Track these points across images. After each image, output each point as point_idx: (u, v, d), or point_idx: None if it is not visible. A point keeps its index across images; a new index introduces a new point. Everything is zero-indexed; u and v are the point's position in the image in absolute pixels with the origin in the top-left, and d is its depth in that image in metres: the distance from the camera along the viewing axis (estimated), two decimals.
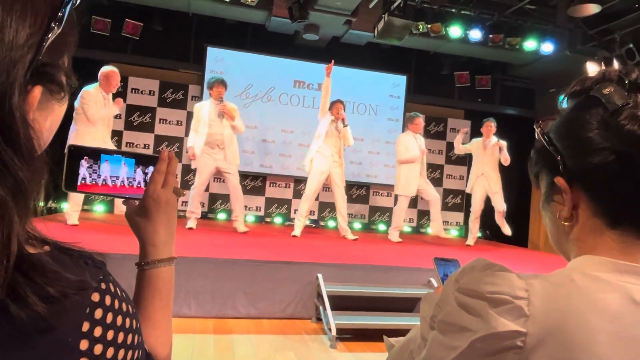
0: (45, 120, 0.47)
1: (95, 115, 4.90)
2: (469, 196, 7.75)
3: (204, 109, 5.49)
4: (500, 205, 6.34)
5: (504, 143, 6.26)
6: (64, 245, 0.47)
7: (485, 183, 6.37)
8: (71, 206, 5.12)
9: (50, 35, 0.43)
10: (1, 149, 0.39)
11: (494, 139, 6.29)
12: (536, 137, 0.66)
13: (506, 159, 6.21)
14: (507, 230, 6.40)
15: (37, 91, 0.43)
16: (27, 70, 0.41)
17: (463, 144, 6.64)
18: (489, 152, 6.31)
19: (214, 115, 5.46)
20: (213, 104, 5.49)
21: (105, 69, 5.13)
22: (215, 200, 7.59)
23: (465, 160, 8.36)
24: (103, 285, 0.47)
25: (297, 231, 5.86)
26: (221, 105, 5.46)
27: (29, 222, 0.43)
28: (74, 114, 4.92)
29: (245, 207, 7.67)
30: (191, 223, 5.53)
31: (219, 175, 5.90)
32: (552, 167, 0.63)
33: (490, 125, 6.34)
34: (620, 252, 0.57)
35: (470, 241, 6.59)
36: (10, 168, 0.39)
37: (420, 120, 6.38)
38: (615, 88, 0.59)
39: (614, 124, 0.57)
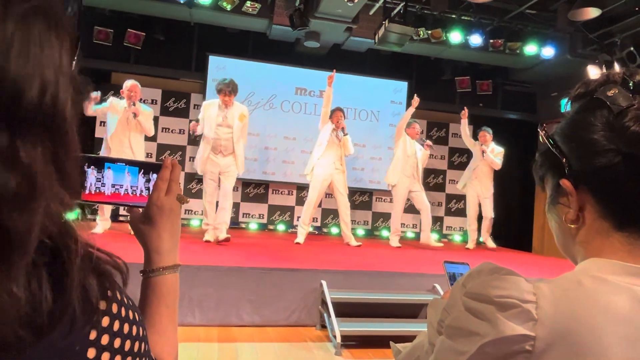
0: None
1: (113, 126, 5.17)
2: None
3: (212, 108, 5.26)
4: (488, 211, 6.54)
5: (500, 149, 6.48)
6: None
7: (478, 188, 6.57)
8: (100, 215, 5.35)
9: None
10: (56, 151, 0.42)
11: (490, 146, 6.49)
12: (540, 140, 0.66)
13: (492, 162, 6.41)
14: (490, 243, 6.62)
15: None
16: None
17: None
18: (486, 159, 6.50)
19: (221, 120, 5.22)
20: (220, 108, 5.25)
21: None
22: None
23: (467, 165, 8.33)
24: (109, 293, 0.47)
25: (301, 238, 5.85)
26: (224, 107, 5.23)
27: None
28: None
29: (248, 214, 7.70)
30: (208, 236, 5.21)
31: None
32: (557, 170, 0.63)
33: (485, 135, 6.54)
34: (627, 254, 0.57)
35: (471, 244, 6.71)
36: (62, 171, 0.41)
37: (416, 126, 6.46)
38: (619, 90, 0.58)
39: (618, 126, 0.56)
